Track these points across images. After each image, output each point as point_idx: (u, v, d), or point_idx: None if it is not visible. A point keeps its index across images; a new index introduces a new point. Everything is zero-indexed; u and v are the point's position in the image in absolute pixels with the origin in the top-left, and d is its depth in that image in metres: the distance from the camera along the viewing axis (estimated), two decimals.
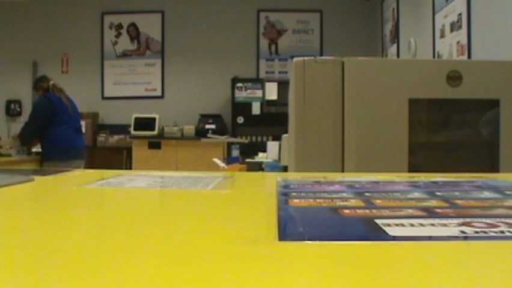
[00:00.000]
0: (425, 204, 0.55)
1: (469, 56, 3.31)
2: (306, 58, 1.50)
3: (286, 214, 0.50)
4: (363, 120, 1.48)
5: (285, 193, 0.65)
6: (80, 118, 4.06)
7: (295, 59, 1.51)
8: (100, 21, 6.80)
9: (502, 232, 0.40)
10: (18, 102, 6.66)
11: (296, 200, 0.59)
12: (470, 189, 0.68)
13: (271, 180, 0.83)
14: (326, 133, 1.47)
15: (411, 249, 0.37)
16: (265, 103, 6.15)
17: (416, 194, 0.64)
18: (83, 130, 6.17)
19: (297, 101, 1.48)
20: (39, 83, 3.82)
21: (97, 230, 0.46)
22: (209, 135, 5.74)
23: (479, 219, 0.45)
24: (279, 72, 6.65)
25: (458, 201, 0.57)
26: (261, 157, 3.52)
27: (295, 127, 1.49)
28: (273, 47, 6.76)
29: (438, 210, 0.51)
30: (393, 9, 5.36)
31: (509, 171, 1.40)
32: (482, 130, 1.58)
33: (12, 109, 6.72)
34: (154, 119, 6.28)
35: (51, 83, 3.78)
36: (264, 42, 6.75)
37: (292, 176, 0.98)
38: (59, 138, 3.62)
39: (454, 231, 0.40)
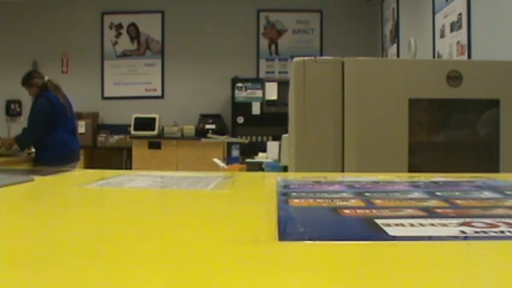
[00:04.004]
0: (425, 204, 0.55)
1: (469, 56, 3.31)
2: (306, 58, 1.50)
3: (286, 214, 0.50)
4: (363, 120, 1.48)
5: (285, 193, 0.65)
6: (75, 118, 3.83)
7: (295, 59, 1.51)
8: (100, 21, 6.79)
9: (502, 232, 0.40)
10: (18, 102, 6.66)
11: (296, 200, 0.59)
12: (470, 189, 0.68)
13: (271, 180, 0.83)
14: (326, 133, 1.47)
15: (411, 249, 0.37)
16: (265, 103, 6.15)
17: (416, 194, 0.64)
18: (83, 130, 6.19)
19: (297, 101, 1.48)
20: (33, 80, 3.49)
21: (97, 230, 0.46)
22: (209, 135, 5.74)
23: (479, 219, 0.45)
24: (279, 72, 6.65)
25: (458, 201, 0.57)
26: (261, 157, 3.51)
27: (295, 127, 1.49)
28: (273, 47, 6.75)
29: (438, 210, 0.51)
30: (393, 9, 5.36)
31: (509, 171, 1.40)
32: (480, 131, 1.58)
33: (12, 109, 6.71)
34: (154, 119, 6.28)
35: (46, 79, 3.51)
36: (264, 42, 6.75)
37: (292, 176, 0.98)
38: (55, 143, 3.42)
39: (454, 231, 0.40)
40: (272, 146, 3.26)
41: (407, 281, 0.29)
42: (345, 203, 0.56)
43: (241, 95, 6.19)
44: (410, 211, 0.50)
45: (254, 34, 6.75)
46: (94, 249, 0.38)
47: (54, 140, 3.44)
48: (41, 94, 3.49)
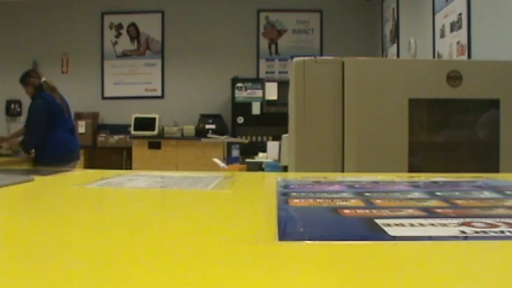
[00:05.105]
0: (425, 204, 0.55)
1: (469, 56, 3.31)
2: (306, 58, 1.50)
3: (286, 214, 0.50)
4: (363, 120, 1.48)
5: (285, 193, 0.65)
6: (73, 118, 3.85)
7: (295, 59, 1.51)
8: (100, 21, 6.79)
9: (502, 232, 0.40)
10: (18, 102, 6.66)
11: (296, 200, 0.59)
12: (470, 189, 0.68)
13: (271, 180, 0.83)
14: (326, 133, 1.47)
15: (411, 249, 0.37)
16: (265, 103, 6.15)
17: (416, 194, 0.64)
18: (83, 130, 6.18)
19: (297, 101, 1.48)
20: (30, 79, 3.52)
21: (97, 230, 0.46)
22: (209, 135, 5.74)
23: (479, 219, 0.45)
24: (279, 72, 6.65)
25: (458, 201, 0.57)
26: (261, 157, 3.51)
27: (295, 127, 1.49)
28: (273, 47, 6.75)
29: (438, 210, 0.51)
30: (393, 9, 5.36)
31: (509, 171, 1.40)
32: (479, 132, 1.58)
33: (12, 109, 6.71)
34: (154, 119, 6.28)
35: (42, 80, 3.52)
36: (264, 42, 6.75)
37: (292, 176, 0.98)
38: (55, 143, 3.43)
39: (454, 231, 0.40)
40: (272, 146, 3.26)
41: (407, 281, 0.29)
42: (345, 203, 0.56)
43: (241, 95, 6.19)
44: (410, 211, 0.50)
45: (254, 34, 6.75)
46: (94, 249, 0.38)
47: (53, 139, 3.45)
48: (37, 95, 3.50)
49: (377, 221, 0.44)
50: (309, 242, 0.38)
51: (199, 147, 5.86)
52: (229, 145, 4.78)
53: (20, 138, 3.61)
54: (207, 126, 6.15)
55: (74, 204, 0.65)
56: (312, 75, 1.48)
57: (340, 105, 1.47)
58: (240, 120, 6.17)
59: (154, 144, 6.11)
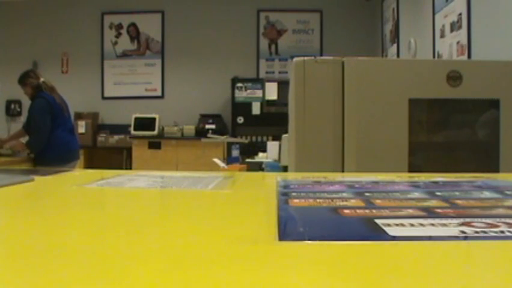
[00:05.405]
0: (425, 204, 0.55)
1: (469, 56, 3.31)
2: (306, 58, 1.50)
3: (286, 214, 0.50)
4: (363, 121, 1.48)
5: (285, 193, 0.65)
6: (72, 118, 3.85)
7: (295, 59, 1.51)
8: (100, 21, 6.79)
9: (502, 232, 0.40)
10: (18, 102, 6.65)
11: (296, 200, 0.59)
12: (470, 189, 0.68)
13: (271, 180, 0.83)
14: (326, 133, 1.47)
15: (411, 249, 0.37)
16: (265, 103, 6.15)
17: (416, 194, 0.64)
18: (83, 130, 6.18)
19: (297, 101, 1.48)
20: (28, 79, 3.52)
21: (97, 230, 0.46)
22: (209, 135, 5.73)
23: (479, 219, 0.45)
24: (279, 72, 6.65)
25: (458, 201, 0.57)
26: (261, 157, 3.52)
27: (295, 127, 1.49)
28: (273, 47, 6.75)
29: (438, 210, 0.51)
30: (393, 9, 5.36)
31: (509, 171, 1.40)
32: (479, 132, 1.58)
33: (12, 109, 6.71)
34: (154, 119, 6.28)
35: (41, 80, 3.52)
36: (264, 42, 6.75)
37: (292, 176, 0.99)
38: (55, 143, 3.42)
39: (454, 231, 0.40)
40: (272, 146, 3.26)
41: (407, 281, 0.29)
42: (345, 203, 0.56)
43: (241, 95, 6.19)
44: (410, 211, 0.50)
45: (254, 34, 6.75)
46: (94, 249, 0.38)
47: (53, 139, 3.44)
48: (37, 95, 3.49)
49: (377, 221, 0.44)
50: (309, 242, 0.38)
51: (199, 147, 5.86)
52: (229, 145, 4.77)
53: (24, 140, 3.60)
54: (207, 126, 6.16)
55: (74, 204, 0.65)
56: (312, 75, 1.48)
57: (340, 105, 1.47)
58: (240, 120, 6.17)
59: (154, 144, 6.11)
